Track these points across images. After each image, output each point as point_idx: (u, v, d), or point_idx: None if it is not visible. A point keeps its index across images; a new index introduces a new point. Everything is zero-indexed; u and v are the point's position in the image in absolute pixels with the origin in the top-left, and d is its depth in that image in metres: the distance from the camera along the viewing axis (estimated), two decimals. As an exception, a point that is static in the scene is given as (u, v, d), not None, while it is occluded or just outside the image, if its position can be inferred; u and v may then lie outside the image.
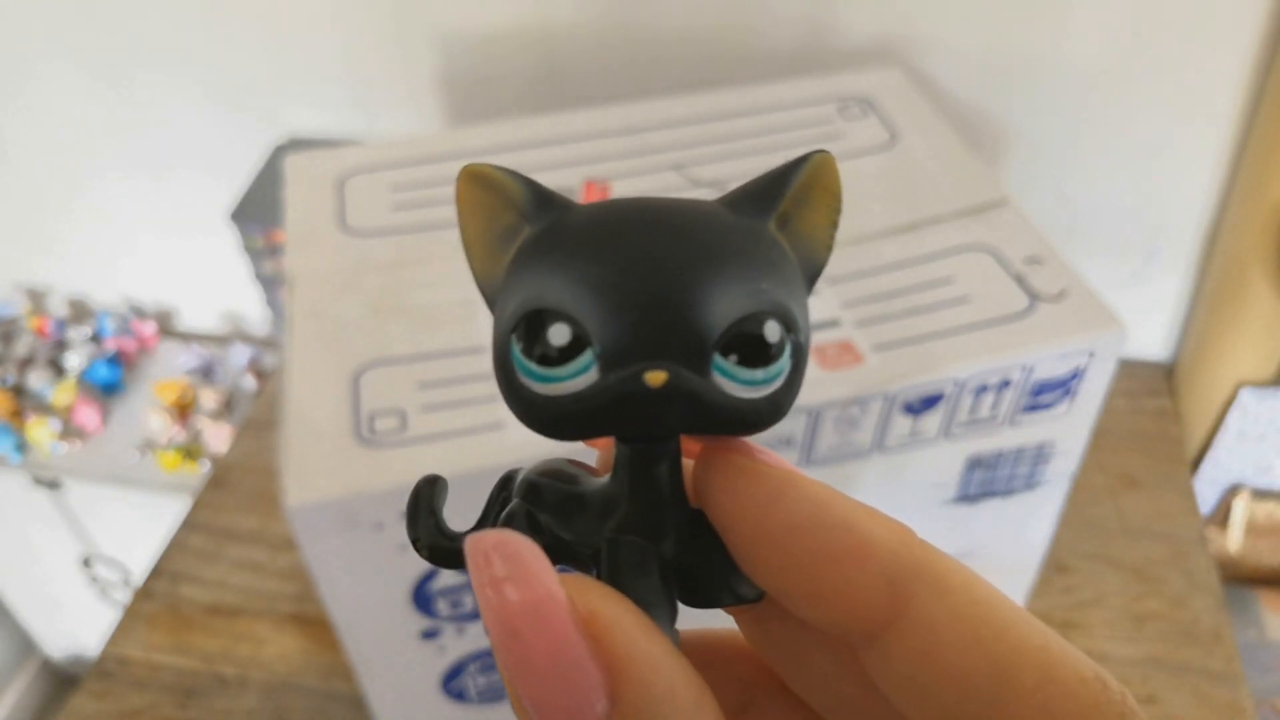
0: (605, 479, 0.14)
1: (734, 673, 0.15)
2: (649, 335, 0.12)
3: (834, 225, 0.14)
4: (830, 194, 0.13)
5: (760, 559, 0.12)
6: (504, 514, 0.14)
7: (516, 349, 0.12)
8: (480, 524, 0.15)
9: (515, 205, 0.13)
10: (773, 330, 0.12)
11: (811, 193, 0.13)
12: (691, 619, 0.14)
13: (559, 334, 0.12)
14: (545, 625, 0.10)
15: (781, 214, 0.13)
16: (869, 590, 0.12)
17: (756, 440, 0.14)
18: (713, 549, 0.13)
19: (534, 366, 0.12)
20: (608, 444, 0.14)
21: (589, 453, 0.15)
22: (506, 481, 0.15)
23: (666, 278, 0.12)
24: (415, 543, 0.14)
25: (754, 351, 0.12)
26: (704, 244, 0.12)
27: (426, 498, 0.15)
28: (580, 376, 0.12)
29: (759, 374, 0.12)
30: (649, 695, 0.10)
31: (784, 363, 0.12)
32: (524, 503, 0.14)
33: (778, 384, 0.12)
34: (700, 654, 0.15)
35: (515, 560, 0.11)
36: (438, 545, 0.14)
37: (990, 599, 0.12)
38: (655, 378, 0.11)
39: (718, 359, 0.12)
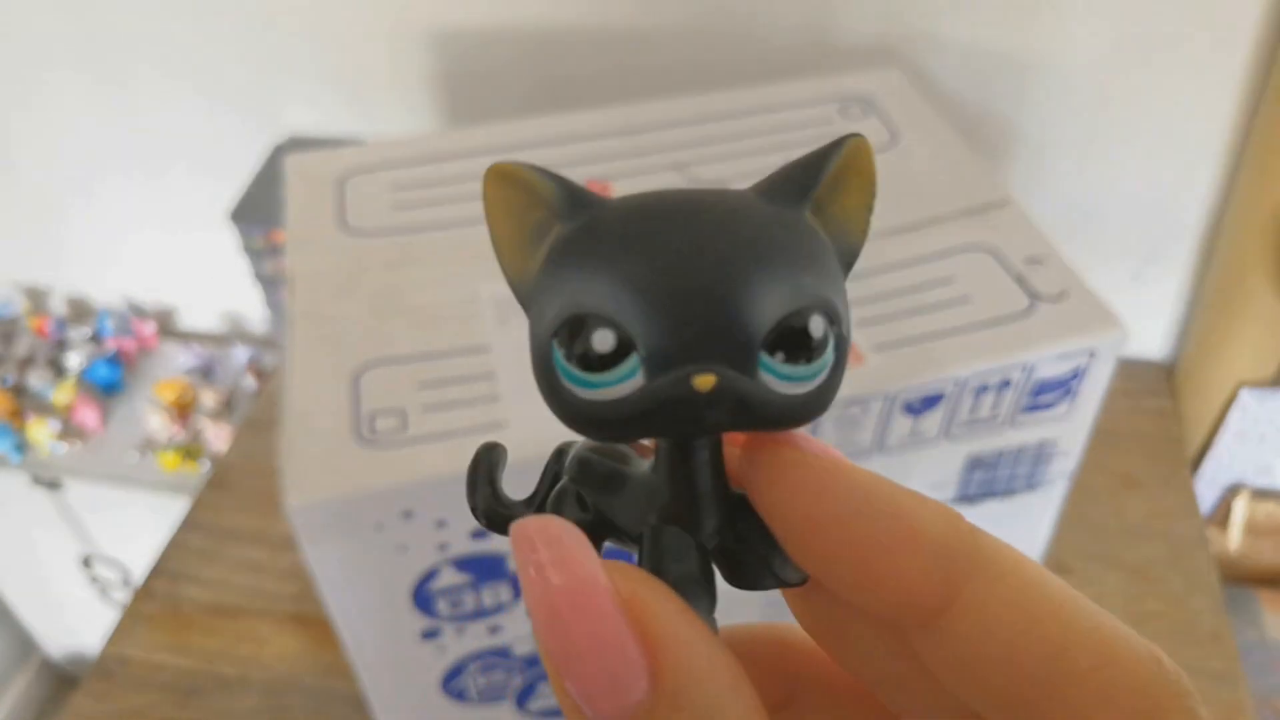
0: (650, 464, 0.14)
1: (778, 666, 0.15)
2: (695, 338, 0.11)
3: (869, 209, 0.13)
4: (865, 178, 0.13)
5: (809, 548, 0.12)
6: (554, 492, 0.14)
7: (558, 354, 0.12)
8: (534, 495, 0.15)
9: (545, 203, 0.13)
10: (817, 325, 0.12)
11: (846, 177, 0.13)
12: (739, 601, 0.14)
13: (603, 340, 0.11)
14: (588, 608, 0.11)
15: (816, 200, 0.13)
16: (921, 577, 0.12)
17: None
18: (756, 533, 0.13)
19: (577, 372, 0.12)
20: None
21: None
22: (560, 454, 0.15)
23: (709, 278, 0.11)
24: (474, 510, 0.14)
25: (800, 348, 0.12)
26: (744, 239, 0.12)
27: (486, 465, 0.15)
28: (626, 382, 0.12)
29: (805, 370, 0.12)
30: (687, 676, 0.11)
31: (828, 356, 0.12)
32: (572, 482, 0.14)
33: (822, 378, 0.12)
34: (743, 647, 0.15)
35: (558, 544, 0.11)
36: (494, 512, 0.14)
37: (1043, 581, 0.12)
38: (704, 382, 0.11)
39: (764, 358, 0.12)
